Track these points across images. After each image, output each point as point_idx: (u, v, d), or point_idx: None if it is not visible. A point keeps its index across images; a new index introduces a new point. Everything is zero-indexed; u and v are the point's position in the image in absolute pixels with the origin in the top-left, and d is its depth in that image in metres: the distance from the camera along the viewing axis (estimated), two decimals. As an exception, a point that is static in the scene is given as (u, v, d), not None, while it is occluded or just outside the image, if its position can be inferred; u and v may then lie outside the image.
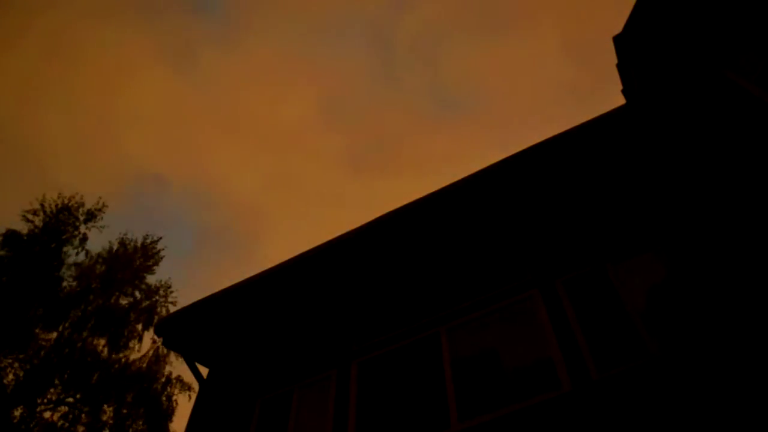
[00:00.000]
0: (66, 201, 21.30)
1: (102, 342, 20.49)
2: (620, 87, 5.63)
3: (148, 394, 19.99)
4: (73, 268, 21.10)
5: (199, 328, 7.96)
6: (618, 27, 5.31)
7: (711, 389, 4.13)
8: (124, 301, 21.65)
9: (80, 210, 21.48)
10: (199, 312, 7.86)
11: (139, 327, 21.29)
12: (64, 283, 20.58)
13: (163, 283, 22.44)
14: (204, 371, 8.00)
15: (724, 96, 4.87)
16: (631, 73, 5.37)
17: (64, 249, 20.83)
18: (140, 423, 19.66)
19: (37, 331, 19.38)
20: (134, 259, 22.32)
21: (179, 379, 20.91)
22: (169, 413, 20.04)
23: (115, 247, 22.25)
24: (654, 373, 4.47)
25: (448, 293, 6.37)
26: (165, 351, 20.87)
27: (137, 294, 22.06)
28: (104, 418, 19.50)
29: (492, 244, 6.56)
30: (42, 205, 20.84)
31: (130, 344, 20.85)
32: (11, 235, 19.79)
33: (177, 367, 21.40)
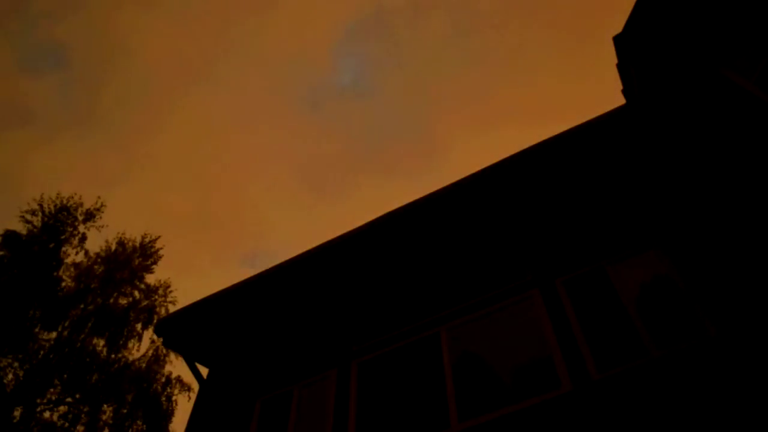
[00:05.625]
0: (65, 201, 21.31)
1: (101, 342, 20.49)
2: (620, 87, 5.64)
3: (148, 394, 19.99)
4: (72, 269, 21.11)
5: (199, 328, 7.95)
6: (618, 27, 5.32)
7: (711, 389, 4.13)
8: (123, 301, 21.64)
9: (79, 210, 21.49)
10: (199, 312, 7.85)
11: (139, 327, 21.29)
12: (63, 283, 20.58)
13: (162, 282, 22.45)
14: (204, 371, 7.99)
15: (724, 96, 4.87)
16: (631, 73, 5.37)
17: (63, 249, 20.83)
18: (140, 423, 19.66)
19: (36, 331, 19.36)
20: (133, 259, 22.32)
21: (179, 379, 20.92)
22: (168, 413, 20.04)
23: (113, 247, 22.27)
24: (654, 373, 4.47)
25: (448, 293, 6.37)
26: (165, 351, 20.88)
27: (136, 294, 22.06)
28: (104, 418, 19.51)
29: (492, 244, 6.57)
30: (41, 206, 20.85)
31: (130, 344, 20.86)
32: (10, 235, 19.78)
33: (177, 366, 21.42)
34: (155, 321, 20.80)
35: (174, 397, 20.52)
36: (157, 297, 22.09)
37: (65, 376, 19.17)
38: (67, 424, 18.93)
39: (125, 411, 19.71)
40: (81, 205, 21.58)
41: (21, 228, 20.19)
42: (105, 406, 19.58)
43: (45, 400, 18.92)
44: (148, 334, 21.13)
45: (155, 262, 22.64)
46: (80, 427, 19.17)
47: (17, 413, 17.97)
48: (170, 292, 22.28)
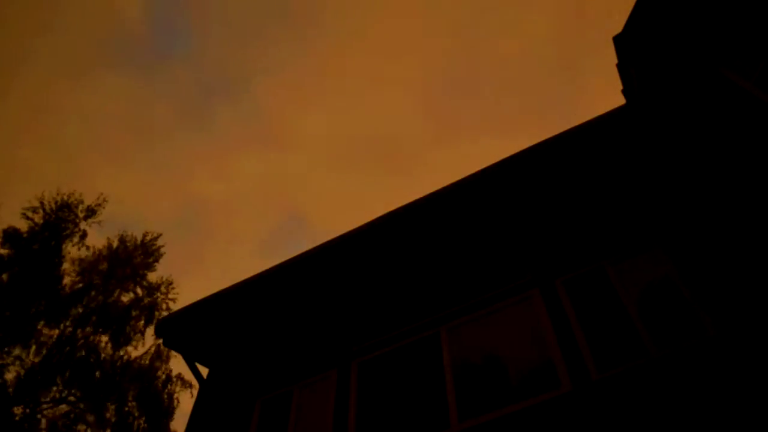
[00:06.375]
0: (66, 198, 21.35)
1: (104, 339, 20.59)
2: (620, 87, 5.63)
3: (150, 392, 20.06)
4: (75, 264, 21.18)
5: (199, 328, 7.96)
6: (618, 27, 5.31)
7: (711, 389, 4.14)
8: (125, 298, 21.74)
9: (80, 207, 21.53)
10: (199, 312, 7.86)
11: (141, 324, 21.39)
12: (65, 281, 20.64)
13: (164, 279, 22.51)
14: (204, 371, 8.01)
15: (724, 96, 4.86)
16: (631, 73, 5.35)
17: (64, 246, 20.88)
18: (142, 421, 19.74)
19: (38, 328, 19.43)
20: (134, 256, 22.38)
21: (180, 376, 20.99)
22: (170, 411, 20.12)
23: (115, 244, 22.32)
24: (654, 373, 4.47)
25: (448, 293, 6.37)
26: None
27: (138, 291, 22.13)
28: (107, 415, 19.58)
29: (492, 244, 6.56)
30: (41, 203, 20.89)
31: (132, 341, 20.93)
32: (11, 232, 19.82)
33: (179, 363, 21.49)
34: (156, 320, 20.85)
35: (175, 395, 20.61)
36: (159, 294, 22.18)
37: (67, 373, 19.23)
38: (69, 422, 19.01)
39: (127, 408, 19.79)
40: (82, 201, 21.65)
41: (22, 225, 20.26)
42: (108, 403, 19.65)
43: (47, 398, 19.02)
44: (151, 331, 21.22)
45: (157, 260, 22.75)
46: (83, 425, 19.27)
47: (19, 411, 18.06)
48: (172, 289, 22.37)
